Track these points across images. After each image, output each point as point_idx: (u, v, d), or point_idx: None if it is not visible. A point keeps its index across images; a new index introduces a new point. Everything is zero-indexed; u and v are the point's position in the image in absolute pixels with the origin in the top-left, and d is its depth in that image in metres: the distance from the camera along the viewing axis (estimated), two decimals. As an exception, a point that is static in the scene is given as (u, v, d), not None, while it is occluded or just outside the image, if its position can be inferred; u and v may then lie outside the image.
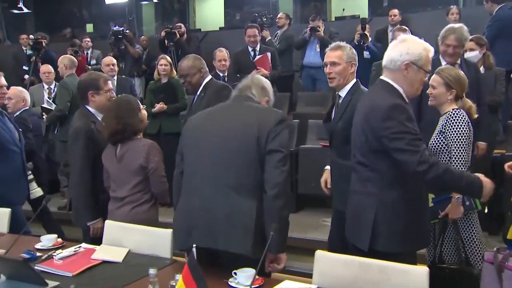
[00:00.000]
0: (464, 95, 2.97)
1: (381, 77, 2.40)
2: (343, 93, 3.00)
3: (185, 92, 5.29)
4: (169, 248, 2.46)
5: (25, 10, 10.46)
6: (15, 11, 10.50)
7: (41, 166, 4.39)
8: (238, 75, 5.58)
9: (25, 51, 8.28)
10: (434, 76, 2.93)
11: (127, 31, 8.12)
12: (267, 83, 2.55)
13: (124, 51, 7.62)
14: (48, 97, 5.49)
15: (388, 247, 2.29)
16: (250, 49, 5.82)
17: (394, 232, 2.30)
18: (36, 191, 4.17)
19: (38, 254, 2.47)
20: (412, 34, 3.78)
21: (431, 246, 2.95)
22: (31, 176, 4.08)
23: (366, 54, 6.52)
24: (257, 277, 1.90)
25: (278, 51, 6.42)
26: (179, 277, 1.73)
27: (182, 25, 7.72)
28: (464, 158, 2.81)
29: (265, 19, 7.12)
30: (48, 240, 2.63)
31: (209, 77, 3.67)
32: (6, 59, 8.74)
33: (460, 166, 2.78)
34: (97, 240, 2.78)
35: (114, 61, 5.65)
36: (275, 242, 1.96)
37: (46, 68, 5.92)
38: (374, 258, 2.12)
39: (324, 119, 3.19)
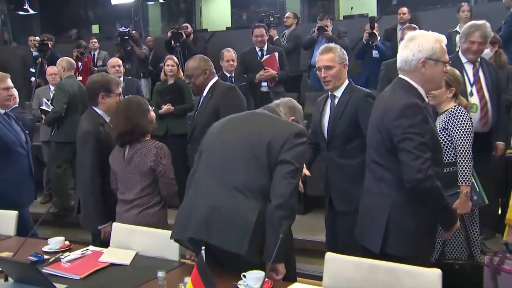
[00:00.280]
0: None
1: (400, 76, 2.35)
2: (338, 93, 3.05)
3: (192, 93, 5.30)
4: (177, 250, 2.46)
5: (31, 12, 10.53)
6: (21, 13, 10.57)
7: None
8: (245, 76, 5.59)
9: (32, 52, 8.36)
10: None
11: (133, 31, 8.15)
12: (297, 105, 2.58)
13: (130, 52, 7.64)
14: (47, 99, 5.52)
15: (400, 251, 2.26)
16: (257, 49, 5.82)
17: (406, 234, 2.27)
18: None
19: (45, 257, 2.48)
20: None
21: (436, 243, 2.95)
22: None
23: (375, 53, 6.51)
24: (266, 279, 1.89)
25: (286, 50, 6.41)
26: (188, 279, 1.74)
27: (189, 25, 7.74)
28: (470, 153, 2.89)
29: (272, 19, 7.12)
30: (55, 242, 2.64)
31: (215, 78, 3.65)
32: (13, 60, 8.81)
33: (466, 160, 2.85)
34: (107, 243, 2.78)
35: (120, 62, 5.68)
36: (271, 251, 1.93)
37: (52, 70, 5.95)
38: (385, 261, 2.09)
39: (316, 121, 3.18)
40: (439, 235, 2.89)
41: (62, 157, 5.34)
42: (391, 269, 2.02)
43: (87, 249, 2.57)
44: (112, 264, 2.39)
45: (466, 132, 2.88)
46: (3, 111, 3.61)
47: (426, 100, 2.35)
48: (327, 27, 6.50)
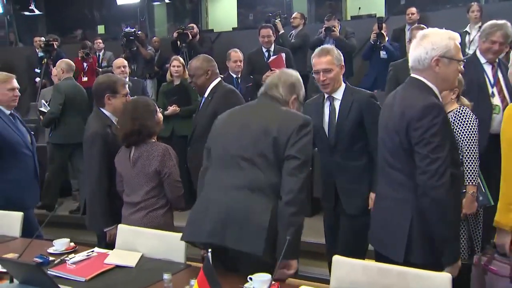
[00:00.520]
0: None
1: (413, 75, 2.29)
2: (338, 95, 3.04)
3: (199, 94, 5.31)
4: (183, 252, 2.46)
5: (37, 12, 10.59)
6: (27, 13, 10.63)
7: None
8: (251, 76, 5.60)
9: (38, 53, 8.40)
10: None
11: (139, 32, 8.17)
12: (296, 78, 2.51)
13: (136, 52, 7.66)
14: (45, 101, 5.56)
15: (424, 259, 2.15)
16: (264, 49, 5.82)
17: (431, 241, 2.15)
18: None
19: (50, 258, 2.48)
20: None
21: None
22: None
23: (382, 54, 6.50)
24: (273, 282, 1.89)
25: (292, 47, 6.42)
26: (194, 282, 1.74)
27: (195, 26, 7.76)
28: (476, 153, 2.90)
29: (279, 19, 7.12)
30: (60, 244, 2.65)
31: (218, 80, 3.63)
32: (18, 61, 8.86)
33: (472, 161, 2.86)
34: (112, 245, 2.78)
35: (125, 63, 5.70)
36: (288, 247, 1.95)
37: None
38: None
39: (316, 126, 3.08)
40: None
41: (58, 158, 5.36)
42: (400, 272, 2.01)
43: (93, 251, 2.58)
44: (118, 266, 2.39)
45: (472, 132, 2.90)
46: (8, 112, 3.63)
47: (440, 99, 2.29)
48: (334, 27, 6.50)
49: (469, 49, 5.99)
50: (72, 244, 2.69)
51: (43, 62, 7.28)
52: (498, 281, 2.47)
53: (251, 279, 2.03)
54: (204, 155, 2.52)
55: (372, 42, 6.53)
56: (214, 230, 2.22)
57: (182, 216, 3.28)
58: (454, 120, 2.93)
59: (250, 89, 5.24)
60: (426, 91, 2.21)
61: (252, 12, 11.11)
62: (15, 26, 11.53)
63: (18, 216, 3.05)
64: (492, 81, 3.64)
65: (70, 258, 2.45)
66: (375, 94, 3.29)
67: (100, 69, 7.85)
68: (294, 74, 2.53)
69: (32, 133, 3.88)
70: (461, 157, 2.86)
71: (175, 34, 7.34)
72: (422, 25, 5.03)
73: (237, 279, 2.10)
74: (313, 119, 2.54)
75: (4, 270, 2.26)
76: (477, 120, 2.97)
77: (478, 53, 3.69)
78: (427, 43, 2.21)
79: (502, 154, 2.47)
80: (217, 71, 3.64)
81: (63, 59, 5.81)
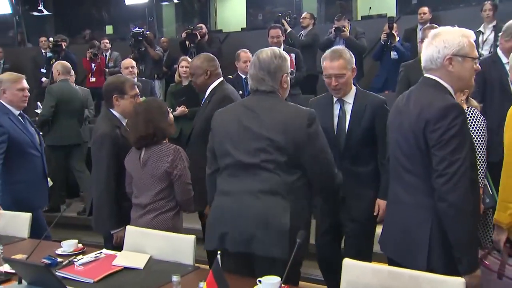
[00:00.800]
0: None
1: (426, 75, 2.22)
2: (349, 99, 2.98)
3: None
4: (191, 254, 2.46)
5: (45, 12, 10.68)
6: (35, 13, 10.72)
7: None
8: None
9: (44, 53, 8.46)
10: None
11: (147, 32, 8.20)
12: (276, 59, 2.39)
13: (144, 53, 7.69)
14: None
15: (447, 267, 2.07)
16: (272, 50, 5.81)
17: (452, 251, 2.08)
18: None
19: (59, 259, 2.50)
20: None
21: None
22: None
23: (393, 54, 6.48)
24: (283, 285, 1.89)
25: (302, 45, 6.40)
26: (203, 284, 1.74)
27: (203, 26, 7.76)
28: (484, 155, 2.88)
29: (288, 19, 7.12)
30: (68, 245, 2.67)
31: (218, 81, 3.49)
32: (24, 61, 8.95)
33: (479, 163, 2.83)
34: (118, 247, 2.79)
35: (133, 63, 5.72)
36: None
37: (66, 71, 6.03)
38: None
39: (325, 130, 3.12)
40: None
41: (54, 160, 5.40)
42: (412, 276, 1.99)
43: (101, 252, 2.59)
44: (126, 268, 2.40)
45: (480, 134, 2.89)
46: (17, 112, 3.67)
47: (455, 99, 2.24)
48: (344, 27, 6.48)
49: (482, 49, 5.95)
50: (80, 245, 2.70)
51: (51, 62, 7.31)
52: (487, 275, 2.43)
53: (260, 281, 2.03)
54: (208, 158, 2.52)
55: (383, 42, 6.51)
56: (237, 239, 2.25)
57: (191, 217, 3.31)
58: None
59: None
60: (443, 91, 2.15)
61: (261, 12, 11.12)
62: (23, 27, 11.64)
63: (26, 217, 3.07)
64: None
65: (78, 260, 2.46)
66: (386, 95, 3.27)
67: (107, 70, 7.90)
68: (271, 55, 2.40)
69: (41, 134, 3.91)
70: None
71: (183, 35, 7.35)
72: (434, 25, 5.01)
73: (246, 282, 2.10)
74: (321, 121, 2.52)
75: (13, 271, 2.28)
76: (486, 121, 2.94)
77: (499, 52, 3.64)
78: (439, 42, 2.16)
79: (505, 152, 2.43)
80: (219, 71, 3.52)
81: (59, 61, 5.89)
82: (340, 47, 3.06)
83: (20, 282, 2.20)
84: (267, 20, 10.00)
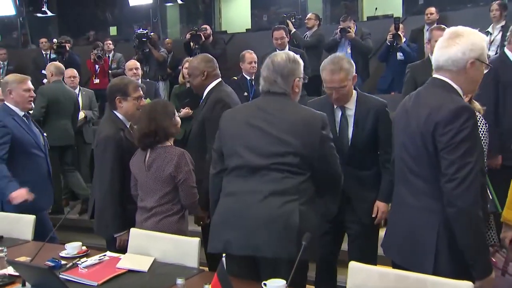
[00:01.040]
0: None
1: (436, 76, 2.18)
2: (351, 105, 2.96)
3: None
4: (196, 257, 2.46)
5: (49, 14, 10.73)
6: (39, 15, 10.77)
7: None
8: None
9: (44, 55, 8.51)
10: None
11: (151, 33, 8.22)
12: (290, 62, 2.43)
13: (148, 54, 7.71)
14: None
15: (454, 273, 2.02)
16: (278, 51, 5.81)
17: (461, 254, 2.06)
18: None
19: (62, 262, 2.50)
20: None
21: None
22: None
23: (399, 55, 6.47)
24: (288, 288, 1.89)
25: (307, 45, 6.40)
26: (208, 287, 1.74)
27: (208, 27, 7.79)
28: (484, 158, 2.81)
29: (293, 20, 7.12)
30: (72, 248, 2.67)
31: (215, 82, 3.41)
32: (26, 63, 8.99)
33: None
34: (121, 251, 2.80)
35: (138, 65, 5.73)
36: None
37: (71, 72, 6.06)
38: None
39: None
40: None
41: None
42: (419, 279, 1.98)
43: (105, 255, 2.59)
44: (130, 271, 2.40)
45: (482, 138, 2.84)
46: (22, 113, 3.70)
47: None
48: (350, 28, 6.47)
49: (489, 50, 5.93)
50: (84, 248, 2.71)
51: (55, 64, 7.36)
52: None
53: (265, 284, 2.03)
54: (214, 158, 2.52)
55: (388, 43, 6.49)
56: (243, 242, 2.24)
57: (192, 219, 3.30)
58: None
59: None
60: (453, 93, 2.11)
61: (266, 13, 11.13)
62: (27, 28, 11.70)
63: (30, 219, 3.09)
64: None
65: (82, 262, 2.46)
66: (392, 96, 3.26)
67: (110, 71, 7.91)
68: (285, 58, 2.43)
69: (45, 134, 3.93)
70: None
71: (188, 36, 7.37)
72: (442, 26, 5.00)
73: (251, 285, 2.11)
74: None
75: (17, 273, 2.29)
76: (487, 125, 2.91)
77: (507, 52, 3.59)
78: (465, 43, 2.09)
79: None
80: (216, 72, 3.44)
81: (53, 62, 5.94)
82: (339, 55, 2.99)
83: (24, 285, 2.21)
84: (272, 21, 10.01)
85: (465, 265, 2.06)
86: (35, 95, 3.79)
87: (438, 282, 1.95)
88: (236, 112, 2.54)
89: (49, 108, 5.39)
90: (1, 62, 9.11)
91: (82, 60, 8.04)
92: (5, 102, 3.70)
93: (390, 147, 2.90)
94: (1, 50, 9.25)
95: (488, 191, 2.90)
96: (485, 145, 2.84)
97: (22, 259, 2.52)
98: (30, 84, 3.73)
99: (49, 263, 2.46)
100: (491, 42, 6.00)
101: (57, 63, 5.88)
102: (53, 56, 7.72)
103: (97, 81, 7.86)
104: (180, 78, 5.65)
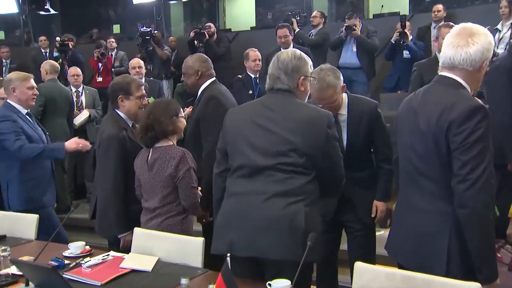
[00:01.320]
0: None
1: (445, 74, 2.15)
2: (343, 110, 2.97)
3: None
4: (200, 257, 2.47)
5: (52, 12, 10.76)
6: (42, 13, 10.81)
7: None
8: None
9: (43, 53, 8.53)
10: None
11: (155, 31, 8.22)
12: (296, 59, 2.41)
13: (152, 52, 7.72)
14: (76, 100, 5.69)
15: (465, 277, 1.99)
16: (282, 49, 5.81)
17: (471, 258, 2.03)
18: None
19: (66, 261, 2.52)
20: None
21: None
22: None
23: (405, 53, 6.46)
24: (293, 289, 1.89)
25: (312, 44, 6.39)
26: (212, 287, 1.75)
27: (212, 25, 7.77)
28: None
29: (298, 18, 7.11)
30: (76, 247, 2.68)
31: (209, 81, 3.46)
32: (27, 61, 9.02)
33: None
34: (124, 251, 2.80)
35: (141, 63, 5.74)
36: None
37: (74, 71, 6.08)
38: None
39: None
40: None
41: None
42: (425, 280, 1.98)
43: (108, 255, 2.60)
44: (134, 271, 2.41)
45: None
46: (25, 111, 3.72)
47: None
48: (356, 26, 6.46)
49: (497, 47, 5.90)
50: (87, 247, 2.72)
51: (58, 62, 7.37)
52: (499, 267, 2.39)
53: (270, 285, 2.03)
54: (217, 157, 2.52)
55: (394, 42, 6.48)
56: (248, 244, 2.24)
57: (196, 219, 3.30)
58: None
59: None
60: (465, 91, 2.09)
61: (270, 11, 11.11)
62: (30, 26, 11.73)
63: (33, 218, 3.11)
64: None
65: (86, 262, 2.48)
66: (399, 95, 3.26)
67: (113, 69, 7.93)
68: (291, 55, 2.42)
69: (47, 133, 3.96)
70: None
71: (191, 34, 7.37)
72: (451, 23, 4.99)
73: (256, 285, 2.11)
74: None
75: (20, 273, 2.31)
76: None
77: None
78: (484, 43, 2.07)
79: None
80: (211, 72, 3.49)
81: (48, 61, 5.97)
82: (322, 68, 2.92)
83: (27, 284, 2.22)
84: (276, 19, 9.99)
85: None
86: (38, 93, 3.81)
87: (445, 283, 1.95)
88: (240, 111, 2.54)
89: (46, 107, 5.43)
90: (4, 60, 9.14)
91: (85, 58, 8.07)
92: (8, 100, 3.72)
93: (386, 147, 2.96)
94: (4, 48, 9.28)
95: None
96: None
97: (26, 258, 2.53)
98: (33, 82, 3.76)
99: (52, 262, 2.47)
100: (500, 39, 5.98)
101: (52, 61, 5.92)
102: (56, 54, 7.74)
103: (100, 79, 7.88)
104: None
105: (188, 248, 2.52)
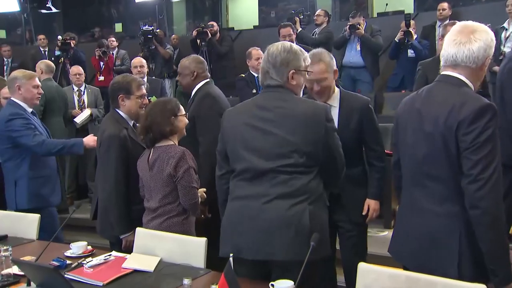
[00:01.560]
0: None
1: (448, 73, 2.13)
2: (334, 102, 2.96)
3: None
4: (202, 257, 2.47)
5: (54, 10, 10.79)
6: (44, 11, 10.84)
7: None
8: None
9: (42, 51, 8.55)
10: None
11: (157, 30, 8.23)
12: (284, 52, 2.35)
13: (154, 51, 7.72)
14: (78, 100, 5.70)
15: (476, 276, 1.99)
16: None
17: (483, 260, 2.02)
18: None
19: (68, 261, 2.52)
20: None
21: None
22: None
23: (410, 52, 6.45)
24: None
25: (315, 43, 6.40)
26: (215, 287, 1.75)
27: (215, 24, 7.78)
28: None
29: (301, 17, 7.11)
30: (77, 247, 2.69)
31: (203, 82, 3.60)
32: (26, 60, 9.05)
33: None
34: (126, 251, 2.80)
35: (143, 62, 5.74)
36: None
37: (76, 70, 6.09)
38: None
39: None
40: None
41: None
42: (430, 281, 1.97)
43: (110, 255, 2.61)
44: (136, 271, 2.41)
45: None
46: (30, 110, 3.74)
47: None
48: (359, 25, 6.45)
49: (504, 46, 5.89)
50: (89, 247, 2.72)
51: (60, 61, 7.39)
52: None
53: (272, 285, 2.04)
54: (218, 160, 2.52)
55: (397, 41, 6.47)
56: (255, 247, 2.24)
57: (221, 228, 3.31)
58: None
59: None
60: (471, 90, 2.08)
61: (274, 10, 11.11)
62: (32, 24, 11.77)
63: (34, 218, 3.11)
64: None
65: (88, 262, 2.48)
66: (403, 94, 3.25)
67: (114, 68, 7.94)
68: (281, 48, 2.36)
69: (49, 132, 3.98)
70: None
71: (194, 33, 7.37)
72: (456, 21, 4.98)
73: (259, 286, 2.12)
74: None
75: (22, 273, 2.31)
76: None
77: None
78: (486, 39, 2.07)
79: None
80: (206, 74, 3.64)
81: (43, 60, 5.99)
82: (319, 49, 2.96)
83: (29, 285, 2.23)
84: (280, 17, 10.00)
85: (487, 274, 2.02)
86: (42, 92, 3.85)
87: (449, 284, 1.94)
88: (235, 113, 2.50)
89: (45, 106, 5.46)
90: (6, 59, 9.14)
91: (87, 57, 8.07)
92: (13, 98, 3.73)
93: (377, 145, 2.98)
94: (6, 47, 9.29)
95: None
96: None
97: (27, 258, 2.54)
98: (38, 81, 3.79)
99: (54, 262, 2.48)
100: (506, 38, 5.96)
101: (47, 61, 5.94)
102: (57, 53, 7.75)
103: (101, 78, 7.89)
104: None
105: (190, 248, 2.52)
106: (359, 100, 3.00)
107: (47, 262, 2.45)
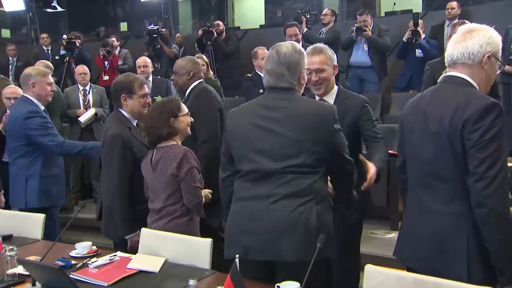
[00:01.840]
0: None
1: (452, 73, 2.15)
2: (330, 98, 2.97)
3: (223, 94, 5.34)
4: (208, 258, 2.48)
5: (59, 9, 10.83)
6: (49, 10, 10.88)
7: None
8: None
9: (45, 50, 8.57)
10: None
11: (163, 29, 8.24)
12: (296, 53, 2.37)
13: (159, 50, 7.73)
14: (83, 99, 5.73)
15: (488, 280, 1.98)
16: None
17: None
18: None
19: (73, 262, 2.54)
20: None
21: None
22: None
23: (418, 52, 6.43)
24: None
25: (323, 42, 6.38)
26: (220, 288, 1.76)
27: (221, 23, 7.78)
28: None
29: (308, 16, 7.10)
30: (82, 247, 2.70)
31: (198, 81, 3.85)
32: (31, 59, 9.09)
33: None
34: (131, 252, 2.80)
35: (147, 62, 5.74)
36: None
37: (82, 69, 6.11)
38: None
39: None
40: None
41: None
42: (437, 284, 1.97)
43: (115, 255, 2.62)
44: (141, 271, 2.42)
45: None
46: (43, 108, 3.77)
47: None
48: (366, 26, 6.43)
49: (514, 46, 5.86)
50: (94, 247, 2.74)
51: (65, 60, 7.42)
52: None
53: (278, 287, 2.04)
54: (222, 161, 2.51)
55: (406, 40, 6.44)
56: (262, 248, 2.24)
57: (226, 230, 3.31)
58: None
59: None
60: (476, 90, 2.09)
61: (280, 9, 11.11)
62: (37, 23, 11.82)
63: (39, 218, 3.13)
64: None
65: (92, 262, 2.50)
66: (411, 94, 3.25)
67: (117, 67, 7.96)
68: (291, 49, 2.37)
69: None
70: None
71: (200, 32, 7.37)
72: (465, 21, 4.97)
73: (265, 287, 2.11)
74: None
75: (27, 273, 2.33)
76: None
77: None
78: (483, 37, 2.09)
79: None
80: (201, 74, 3.89)
81: (41, 60, 5.99)
82: (321, 44, 3.03)
83: (34, 284, 2.24)
84: (286, 16, 10.00)
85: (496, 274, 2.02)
86: (55, 89, 3.88)
87: (456, 286, 1.93)
88: (239, 113, 2.48)
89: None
90: (11, 58, 9.17)
91: (92, 56, 8.10)
92: (26, 95, 3.74)
93: (377, 133, 2.98)
94: (11, 46, 9.31)
95: None
96: None
97: (32, 258, 2.55)
98: (51, 78, 3.83)
99: (59, 262, 2.50)
100: (517, 38, 5.93)
101: (45, 61, 5.95)
102: (62, 52, 7.78)
103: (106, 77, 7.90)
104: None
105: (195, 249, 2.53)
106: (356, 99, 3.02)
107: (52, 262, 2.46)
